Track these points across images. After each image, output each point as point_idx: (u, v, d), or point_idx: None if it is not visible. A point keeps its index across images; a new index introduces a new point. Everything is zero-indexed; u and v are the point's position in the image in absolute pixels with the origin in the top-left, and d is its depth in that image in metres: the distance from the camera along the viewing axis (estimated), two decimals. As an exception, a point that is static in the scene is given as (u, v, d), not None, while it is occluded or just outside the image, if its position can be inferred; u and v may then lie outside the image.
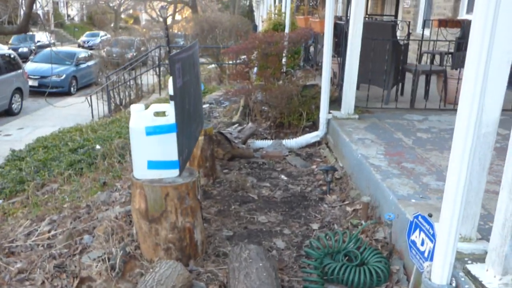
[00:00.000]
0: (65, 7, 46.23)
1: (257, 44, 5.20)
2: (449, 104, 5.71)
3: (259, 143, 5.42)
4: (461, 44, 6.78)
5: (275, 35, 5.51)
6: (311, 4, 12.28)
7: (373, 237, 3.11)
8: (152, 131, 2.34)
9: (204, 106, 8.30)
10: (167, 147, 2.41)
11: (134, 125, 2.37)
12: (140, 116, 2.36)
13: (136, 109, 2.36)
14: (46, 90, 16.17)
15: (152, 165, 2.47)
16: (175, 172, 2.56)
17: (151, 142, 2.37)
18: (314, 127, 5.64)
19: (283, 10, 9.55)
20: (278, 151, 5.16)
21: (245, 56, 6.69)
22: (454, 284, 2.03)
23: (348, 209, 3.71)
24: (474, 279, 2.05)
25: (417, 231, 2.20)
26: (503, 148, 3.33)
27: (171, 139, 2.38)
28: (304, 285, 2.65)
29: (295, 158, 5.05)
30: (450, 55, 7.51)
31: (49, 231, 3.45)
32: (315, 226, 3.51)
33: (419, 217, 2.20)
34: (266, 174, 4.69)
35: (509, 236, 1.88)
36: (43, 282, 2.64)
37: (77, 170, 5.83)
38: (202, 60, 15.06)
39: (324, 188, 4.19)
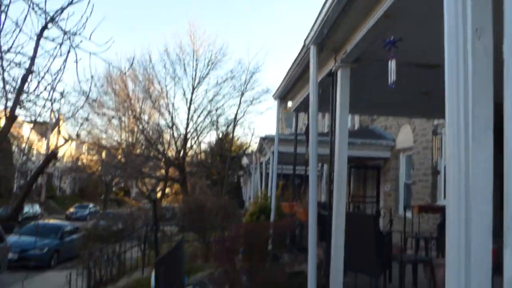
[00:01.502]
0: (58, 180, 47.66)
1: (243, 234, 5.30)
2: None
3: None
4: (443, 231, 6.95)
5: (261, 226, 5.66)
6: (296, 184, 12.85)
7: None
8: None
9: (188, 289, 8.00)
10: None
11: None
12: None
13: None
14: (25, 263, 15.72)
15: None
16: None
17: None
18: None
19: (269, 195, 9.98)
20: None
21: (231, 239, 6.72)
22: None
23: None
24: None
25: None
26: None
27: None
28: None
29: None
30: (434, 240, 7.63)
31: None
32: None
33: None
34: None
35: None
36: None
37: None
38: (188, 235, 15.03)
39: None
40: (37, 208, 26.95)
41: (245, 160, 30.31)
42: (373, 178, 14.27)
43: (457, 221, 2.11)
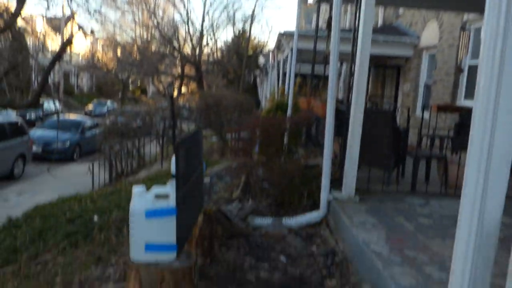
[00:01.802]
0: (75, 77, 47.94)
1: (260, 126, 5.32)
2: (450, 188, 5.71)
3: (259, 220, 5.35)
4: (461, 130, 6.92)
5: (277, 119, 5.65)
6: (313, 83, 12.69)
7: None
8: (152, 214, 2.34)
9: (206, 180, 8.31)
10: (166, 230, 2.38)
11: (135, 208, 2.37)
12: (141, 199, 2.36)
13: (137, 191, 2.37)
14: (49, 156, 16.43)
15: (150, 247, 2.43)
16: (172, 256, 2.51)
17: (150, 225, 2.36)
18: (315, 206, 5.60)
19: (286, 92, 9.89)
20: (278, 230, 5.09)
21: (247, 133, 6.82)
22: None
23: (349, 297, 3.59)
24: None
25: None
26: (506, 238, 3.28)
27: (171, 222, 2.36)
28: None
29: (295, 238, 4.96)
30: (450, 139, 7.63)
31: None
32: (314, 314, 3.38)
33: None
34: (265, 254, 4.58)
35: None
36: None
37: (73, 242, 5.73)
38: (205, 132, 15.33)
39: (324, 272, 4.08)
40: (56, 104, 27.39)
41: (261, 60, 29.77)
42: (392, 77, 13.97)
43: (483, 115, 2.03)
